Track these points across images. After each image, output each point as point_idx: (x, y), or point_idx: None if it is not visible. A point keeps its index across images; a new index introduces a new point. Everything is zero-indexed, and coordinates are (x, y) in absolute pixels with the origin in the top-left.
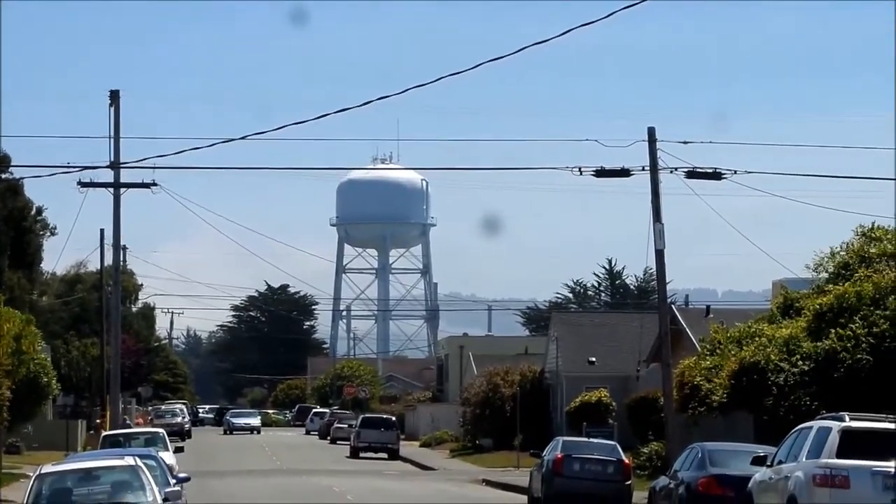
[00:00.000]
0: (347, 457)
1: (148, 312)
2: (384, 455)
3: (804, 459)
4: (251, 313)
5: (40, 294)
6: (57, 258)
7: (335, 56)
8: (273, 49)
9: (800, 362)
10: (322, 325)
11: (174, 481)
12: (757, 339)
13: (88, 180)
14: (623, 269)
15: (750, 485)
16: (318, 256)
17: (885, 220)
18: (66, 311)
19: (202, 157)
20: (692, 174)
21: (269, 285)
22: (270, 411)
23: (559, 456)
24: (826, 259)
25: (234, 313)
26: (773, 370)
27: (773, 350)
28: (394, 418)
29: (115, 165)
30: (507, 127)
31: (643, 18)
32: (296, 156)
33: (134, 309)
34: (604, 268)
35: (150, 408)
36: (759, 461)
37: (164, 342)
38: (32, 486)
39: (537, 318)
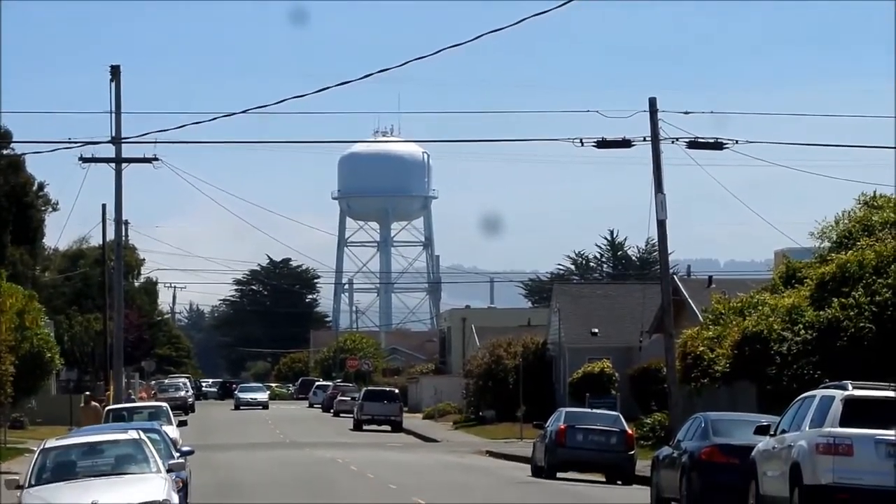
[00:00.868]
0: (351, 429)
1: (150, 287)
2: (387, 427)
3: (807, 428)
4: (253, 287)
5: (43, 269)
6: (59, 234)
7: (336, 31)
8: (273, 24)
9: (802, 331)
10: (324, 298)
11: (178, 454)
12: (759, 308)
13: (90, 155)
14: (625, 240)
15: (753, 454)
16: (320, 230)
17: (888, 189)
18: (68, 286)
19: (203, 132)
20: (693, 144)
21: (270, 259)
22: (274, 385)
23: (562, 427)
24: (830, 227)
25: (236, 287)
26: (775, 339)
27: (775, 319)
28: (397, 391)
29: (117, 140)
30: (508, 99)
31: None
32: (297, 130)
33: (136, 284)
34: (606, 239)
35: (153, 382)
36: (762, 430)
37: (166, 317)
38: (36, 460)
39: (539, 290)
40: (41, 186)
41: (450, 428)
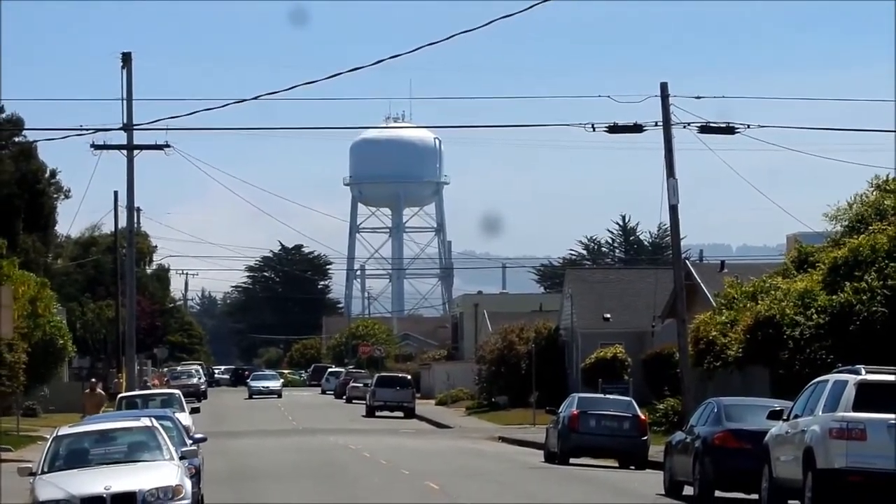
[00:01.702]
0: (363, 416)
1: (162, 274)
2: (400, 414)
3: (820, 413)
4: (265, 274)
5: (55, 257)
6: (71, 221)
7: (348, 16)
8: (285, 12)
9: (815, 316)
10: (336, 284)
11: (190, 442)
12: (772, 293)
13: (102, 142)
14: (637, 225)
15: (766, 439)
16: (332, 216)
17: None
18: (80, 273)
19: (215, 118)
20: (705, 129)
21: (282, 245)
22: (286, 371)
23: (575, 412)
24: (843, 210)
25: (248, 274)
26: (788, 324)
27: (788, 304)
28: (409, 377)
29: (128, 127)
30: (520, 85)
31: None
32: (309, 116)
33: (148, 270)
34: (618, 224)
35: (165, 369)
36: (775, 415)
37: (178, 303)
38: (49, 447)
39: (552, 276)
40: (53, 174)
41: (462, 414)
